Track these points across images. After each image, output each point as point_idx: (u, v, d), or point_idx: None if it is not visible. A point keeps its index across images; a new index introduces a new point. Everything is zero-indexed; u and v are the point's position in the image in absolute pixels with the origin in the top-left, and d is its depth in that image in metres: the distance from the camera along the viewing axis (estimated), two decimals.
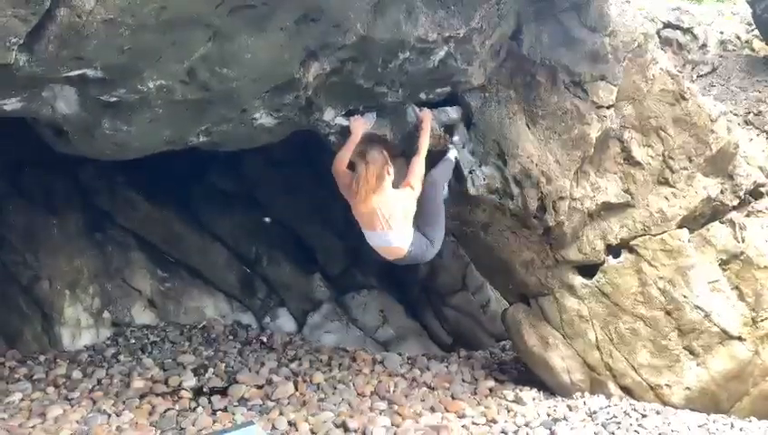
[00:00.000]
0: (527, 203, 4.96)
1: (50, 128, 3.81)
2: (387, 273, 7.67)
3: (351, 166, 4.22)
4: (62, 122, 3.63)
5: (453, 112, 4.91)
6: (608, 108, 5.02)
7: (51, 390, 5.04)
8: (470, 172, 4.94)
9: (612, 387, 5.41)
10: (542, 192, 4.95)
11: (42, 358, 5.77)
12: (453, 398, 5.44)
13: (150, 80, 3.29)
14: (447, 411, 5.10)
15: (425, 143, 4.35)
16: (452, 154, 4.77)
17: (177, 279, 6.95)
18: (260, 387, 5.26)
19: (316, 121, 4.41)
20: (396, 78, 4.28)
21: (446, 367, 6.22)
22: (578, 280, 5.38)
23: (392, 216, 4.03)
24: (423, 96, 4.72)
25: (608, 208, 5.26)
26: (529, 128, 4.97)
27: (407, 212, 4.11)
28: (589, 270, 5.40)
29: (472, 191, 4.94)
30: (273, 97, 3.93)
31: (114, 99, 3.37)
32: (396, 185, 4.18)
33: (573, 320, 5.42)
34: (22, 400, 4.81)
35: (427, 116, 4.51)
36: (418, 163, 4.24)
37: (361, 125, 4.35)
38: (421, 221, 4.25)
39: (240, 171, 7.20)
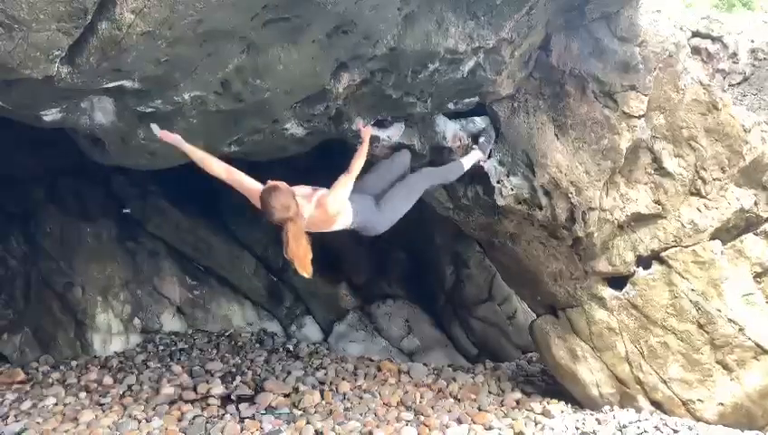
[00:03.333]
0: (556, 214, 4.93)
1: (87, 138, 3.91)
2: (412, 282, 7.68)
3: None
4: (99, 132, 3.72)
5: (481, 122, 4.92)
6: (638, 118, 4.96)
7: (83, 395, 5.14)
8: (498, 182, 4.93)
9: (642, 401, 5.32)
10: (571, 203, 4.91)
11: (74, 363, 5.89)
12: (479, 409, 5.41)
13: (186, 91, 3.35)
14: (474, 423, 5.06)
15: (358, 163, 3.68)
16: (468, 160, 4.62)
17: (206, 287, 7.06)
18: (287, 395, 5.29)
19: (345, 131, 4.44)
20: (425, 88, 4.30)
21: (473, 378, 6.18)
22: (607, 292, 5.31)
23: (322, 222, 3.60)
24: (451, 106, 4.74)
25: (638, 219, 5.19)
26: (558, 138, 4.94)
27: (338, 213, 3.62)
28: (618, 282, 5.33)
29: (500, 201, 4.92)
30: (304, 108, 3.98)
31: (150, 109, 3.44)
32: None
33: (603, 332, 5.35)
34: (55, 404, 4.91)
35: (367, 132, 4.02)
36: (343, 184, 3.57)
37: (369, 132, 4.07)
38: (383, 193, 3.93)
39: (267, 180, 7.27)
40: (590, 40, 4.82)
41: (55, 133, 4.07)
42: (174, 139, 3.48)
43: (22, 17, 2.49)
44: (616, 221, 5.10)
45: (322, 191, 3.56)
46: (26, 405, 4.86)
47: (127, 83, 3.17)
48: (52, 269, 6.35)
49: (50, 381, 5.43)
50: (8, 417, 4.64)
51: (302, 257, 3.28)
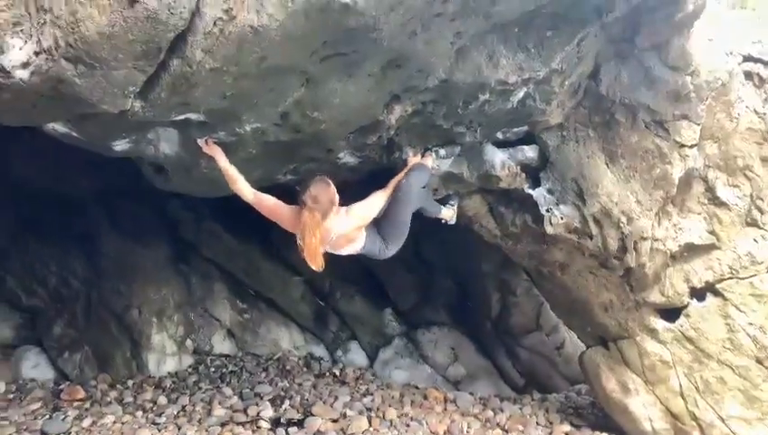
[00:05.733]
0: (607, 243, 4.88)
1: (151, 165, 4.11)
2: (458, 309, 7.66)
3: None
4: (164, 161, 3.91)
5: (530, 151, 4.94)
6: (690, 147, 4.90)
7: (139, 414, 5.30)
8: (547, 211, 4.92)
9: None
10: (622, 232, 4.86)
11: (130, 382, 6.08)
12: None
13: (247, 123, 3.52)
14: None
15: (393, 184, 3.92)
16: (429, 161, 4.55)
17: (255, 310, 7.21)
18: (335, 421, 5.33)
19: (396, 160, 4.54)
20: (474, 118, 4.37)
21: (520, 409, 6.10)
22: (660, 324, 5.20)
23: (343, 239, 3.66)
24: (500, 135, 4.80)
25: (691, 250, 5.09)
26: (608, 167, 4.92)
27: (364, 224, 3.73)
28: (671, 314, 5.22)
29: (549, 230, 4.91)
30: (358, 138, 4.10)
31: (213, 140, 3.61)
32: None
33: (655, 365, 5.23)
34: (114, 422, 5.08)
35: (414, 160, 4.17)
36: (376, 196, 3.77)
37: (418, 161, 4.16)
38: (381, 219, 3.94)
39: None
40: (640, 69, 4.81)
41: (115, 160, 4.27)
42: (214, 151, 3.61)
43: (103, 57, 2.69)
44: (668, 251, 5.02)
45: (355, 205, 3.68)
46: (87, 422, 5.05)
47: (193, 116, 3.35)
48: (111, 290, 6.60)
49: (108, 399, 5.62)
50: (70, 434, 4.83)
51: (313, 249, 3.35)
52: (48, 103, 2.94)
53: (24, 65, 2.71)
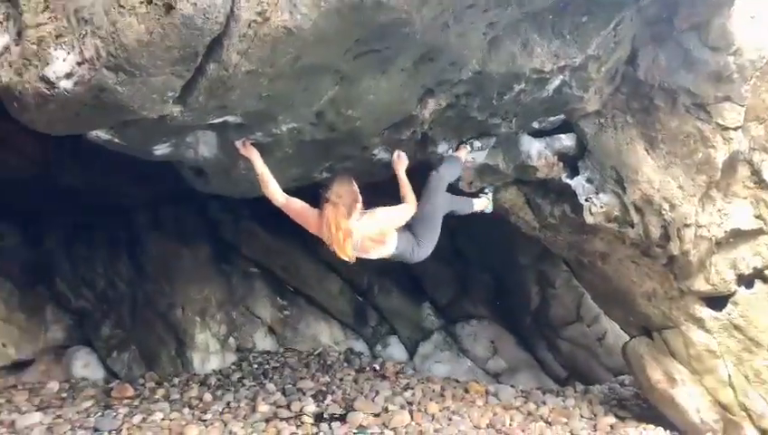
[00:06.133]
0: (649, 231, 4.78)
1: (191, 169, 4.19)
2: (496, 302, 7.61)
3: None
4: (203, 164, 3.98)
5: (567, 140, 4.87)
6: (734, 130, 4.76)
7: (186, 411, 5.42)
8: (586, 200, 4.85)
9: (749, 429, 5.01)
10: (664, 219, 4.76)
11: (176, 380, 6.24)
12: (572, 434, 5.27)
13: (284, 123, 3.55)
14: None
15: (410, 195, 3.85)
16: (462, 154, 4.55)
17: (295, 307, 7.31)
18: (377, 415, 5.37)
19: (430, 154, 4.53)
20: (510, 109, 4.33)
21: (563, 401, 6.04)
22: (706, 312, 5.08)
23: (369, 241, 3.63)
24: (536, 125, 4.74)
25: (738, 235, 4.95)
26: (648, 153, 4.81)
27: (389, 230, 3.69)
28: (718, 302, 5.09)
29: (589, 220, 4.84)
30: (392, 134, 4.10)
31: (250, 142, 3.66)
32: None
33: (702, 355, 5.11)
34: (162, 419, 5.21)
35: (397, 163, 4.03)
36: (402, 209, 3.78)
37: (403, 162, 4.04)
38: (413, 219, 3.90)
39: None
40: (679, 51, 4.69)
41: (156, 164, 4.37)
42: (251, 153, 3.65)
43: (142, 64, 2.75)
44: (713, 238, 4.89)
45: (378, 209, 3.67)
46: (137, 419, 5.20)
47: (230, 118, 3.40)
48: (156, 291, 6.79)
49: (156, 396, 5.78)
50: (122, 431, 4.99)
51: (338, 240, 3.38)
52: (91, 112, 3.01)
53: (68, 76, 2.79)
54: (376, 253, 3.73)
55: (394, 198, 3.92)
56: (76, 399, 5.87)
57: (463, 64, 3.74)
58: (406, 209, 3.76)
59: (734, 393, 5.06)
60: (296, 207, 3.61)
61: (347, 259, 3.45)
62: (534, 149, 4.83)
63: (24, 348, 6.48)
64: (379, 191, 3.87)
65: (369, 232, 3.58)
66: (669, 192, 4.74)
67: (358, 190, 3.56)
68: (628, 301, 5.30)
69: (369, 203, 3.70)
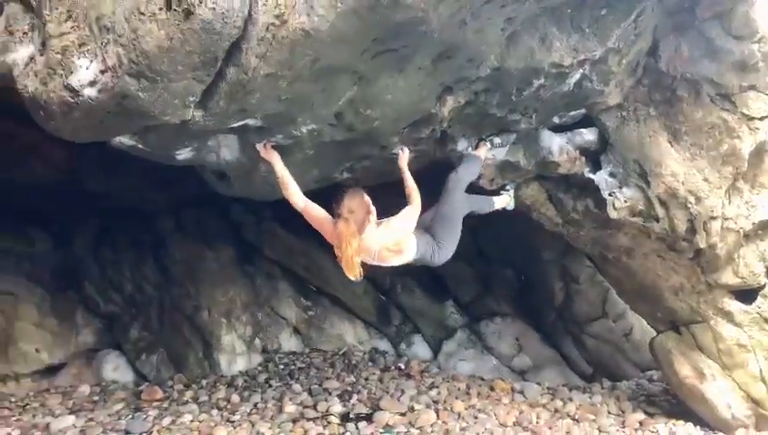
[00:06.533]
0: (675, 225, 4.72)
1: (213, 173, 4.24)
2: (520, 299, 7.57)
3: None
4: (225, 168, 4.03)
5: (588, 134, 4.83)
6: (760, 119, 4.67)
7: (214, 412, 5.48)
8: (610, 195, 4.80)
9: None
10: (690, 213, 4.69)
11: (204, 382, 6.31)
12: (600, 431, 5.22)
13: (303, 125, 3.57)
14: None
15: (415, 194, 3.72)
16: (482, 152, 4.50)
17: (319, 307, 7.35)
18: (403, 414, 5.37)
19: (450, 152, 4.52)
20: (529, 104, 4.30)
21: (590, 398, 5.99)
22: (735, 306, 5.00)
23: (387, 251, 3.58)
24: (556, 120, 4.70)
25: (766, 227, 4.86)
26: (672, 145, 4.74)
27: (404, 238, 3.63)
28: (747, 295, 5.01)
29: (613, 215, 4.79)
30: (411, 132, 4.10)
31: (271, 144, 3.69)
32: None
33: (732, 349, 5.03)
34: (191, 421, 5.27)
35: (401, 158, 3.99)
36: (408, 214, 3.62)
37: (405, 159, 3.98)
38: (432, 221, 3.88)
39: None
40: (701, 41, 4.62)
41: (178, 169, 4.43)
42: (271, 156, 3.66)
43: (163, 70, 2.79)
44: (741, 230, 4.80)
45: (392, 218, 3.60)
46: (166, 421, 5.27)
47: (251, 122, 3.43)
48: (182, 294, 6.87)
49: (184, 398, 5.85)
50: (152, 433, 5.05)
51: (348, 258, 3.31)
52: (114, 118, 3.07)
53: (92, 84, 2.85)
54: (396, 260, 3.70)
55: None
56: (107, 402, 5.97)
57: (481, 61, 3.73)
58: (411, 212, 3.65)
59: (767, 388, 4.96)
60: (314, 214, 3.58)
61: (353, 278, 3.37)
62: (556, 145, 4.79)
63: (56, 352, 6.61)
64: (392, 192, 3.84)
65: (385, 242, 3.54)
66: (695, 185, 4.67)
67: (370, 202, 3.50)
68: (654, 296, 5.23)
69: (385, 205, 3.64)
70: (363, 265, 3.40)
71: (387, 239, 3.53)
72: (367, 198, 3.49)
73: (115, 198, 6.53)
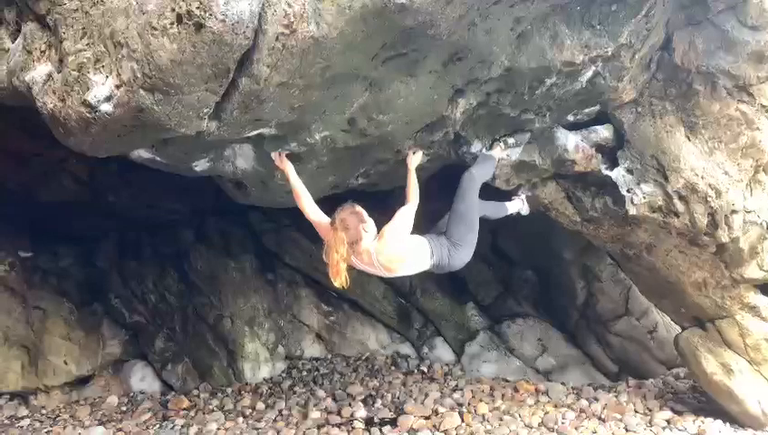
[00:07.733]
0: (695, 220, 4.65)
1: (231, 182, 4.30)
2: (541, 299, 7.51)
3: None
4: (242, 177, 4.09)
5: (604, 131, 4.79)
6: None
7: (240, 420, 5.54)
8: (628, 191, 4.74)
9: None
10: (711, 207, 4.62)
11: (228, 390, 6.38)
12: (627, 430, 5.15)
13: (317, 132, 3.62)
14: None
15: (413, 192, 3.74)
16: (496, 152, 4.47)
17: (341, 313, 7.38)
18: (427, 418, 5.36)
19: (464, 154, 4.52)
20: (542, 103, 4.29)
21: (616, 397, 5.90)
22: (761, 300, 4.91)
23: (390, 262, 3.55)
24: (571, 118, 4.68)
25: None
26: (689, 139, 4.68)
27: (407, 250, 3.59)
28: None
29: (632, 211, 4.73)
30: (424, 136, 4.11)
31: (285, 152, 3.74)
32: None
33: (760, 344, 4.93)
34: (218, 429, 5.35)
35: (411, 159, 4.00)
36: (401, 214, 3.57)
37: (417, 159, 4.01)
38: (448, 222, 3.85)
39: (389, 206, 7.53)
40: (716, 33, 4.55)
41: (198, 181, 4.51)
42: (285, 166, 3.72)
43: (177, 83, 2.85)
44: (764, 223, 4.72)
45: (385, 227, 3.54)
46: (193, 430, 5.35)
47: (265, 131, 3.48)
48: (204, 303, 6.97)
49: (210, 407, 5.93)
50: None
51: (335, 265, 3.35)
52: (131, 132, 3.14)
53: (108, 99, 2.92)
54: (406, 269, 3.67)
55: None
56: (135, 412, 6.07)
57: (492, 61, 3.73)
58: (405, 211, 3.58)
59: None
60: (322, 228, 3.60)
61: (338, 286, 3.39)
62: (571, 143, 4.76)
63: (84, 364, 6.75)
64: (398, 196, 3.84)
65: (388, 253, 3.49)
66: (714, 178, 4.60)
67: (363, 212, 3.48)
68: (677, 292, 5.15)
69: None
70: (350, 271, 3.42)
71: (387, 249, 3.48)
72: (359, 208, 3.48)
73: (136, 210, 6.65)
